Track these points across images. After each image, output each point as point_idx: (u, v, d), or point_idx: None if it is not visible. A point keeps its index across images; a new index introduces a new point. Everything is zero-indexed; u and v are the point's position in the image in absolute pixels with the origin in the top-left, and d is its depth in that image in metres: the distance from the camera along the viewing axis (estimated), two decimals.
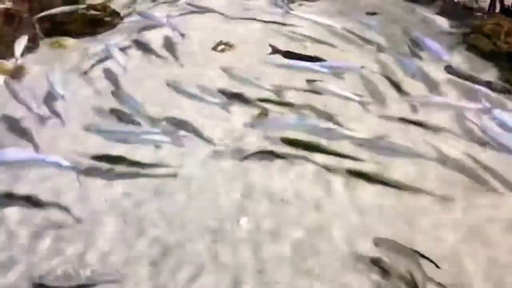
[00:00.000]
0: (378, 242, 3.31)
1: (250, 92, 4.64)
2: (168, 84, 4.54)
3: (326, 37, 5.68)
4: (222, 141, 4.14)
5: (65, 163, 3.41)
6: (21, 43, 4.79)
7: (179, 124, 4.26)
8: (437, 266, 3.14)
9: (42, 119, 4.11)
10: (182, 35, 5.25)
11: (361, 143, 3.86)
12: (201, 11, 6.13)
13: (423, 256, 3.15)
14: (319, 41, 5.64)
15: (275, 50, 5.18)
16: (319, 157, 4.00)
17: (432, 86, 4.96)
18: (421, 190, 3.74)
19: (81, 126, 3.92)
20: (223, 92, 4.67)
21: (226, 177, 3.81)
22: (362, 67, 4.72)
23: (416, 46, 5.40)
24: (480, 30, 5.61)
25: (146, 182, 3.75)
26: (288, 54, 5.10)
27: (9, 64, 4.98)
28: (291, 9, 6.09)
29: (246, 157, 3.98)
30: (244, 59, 5.21)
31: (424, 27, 5.88)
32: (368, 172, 3.87)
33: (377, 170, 3.89)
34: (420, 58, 5.31)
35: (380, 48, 5.54)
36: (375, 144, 3.86)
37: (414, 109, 4.52)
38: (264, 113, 4.42)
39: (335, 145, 4.05)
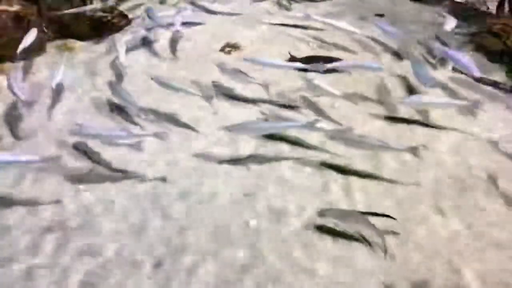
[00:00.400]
0: (324, 213, 3.50)
1: (240, 91, 4.75)
2: (152, 78, 4.64)
3: (334, 38, 5.69)
4: (203, 139, 4.21)
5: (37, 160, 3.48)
6: (29, 38, 4.83)
7: (164, 116, 4.41)
8: (393, 218, 3.42)
9: (31, 109, 4.25)
10: (180, 36, 5.46)
11: (333, 136, 4.04)
12: (209, 13, 6.15)
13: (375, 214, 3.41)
14: (326, 43, 5.64)
15: (293, 58, 5.18)
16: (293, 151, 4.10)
17: (442, 88, 4.96)
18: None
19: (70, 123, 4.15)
20: (214, 90, 4.77)
21: (203, 177, 3.84)
22: (380, 68, 4.79)
23: (432, 55, 5.41)
24: (488, 30, 5.59)
25: (125, 183, 3.78)
26: (308, 59, 5.08)
27: (17, 65, 5.00)
28: (291, 10, 6.14)
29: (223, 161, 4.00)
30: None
31: (432, 28, 5.88)
32: (337, 163, 3.97)
33: (345, 161, 4.00)
34: (435, 68, 5.27)
35: (395, 54, 5.48)
36: (345, 137, 3.99)
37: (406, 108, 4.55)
38: (266, 119, 4.43)
39: (309, 140, 4.17)
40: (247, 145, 4.15)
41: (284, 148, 4.13)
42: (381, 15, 6.30)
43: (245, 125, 4.00)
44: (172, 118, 4.42)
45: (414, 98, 4.46)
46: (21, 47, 4.76)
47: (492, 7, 6.19)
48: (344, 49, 5.53)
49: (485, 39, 5.58)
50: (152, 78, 4.60)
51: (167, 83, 4.47)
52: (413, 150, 3.81)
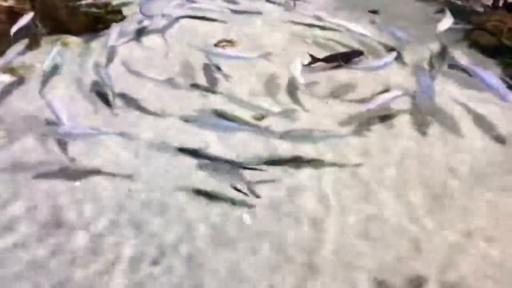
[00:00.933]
0: (201, 166, 3.73)
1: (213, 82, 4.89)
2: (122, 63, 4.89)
3: (335, 37, 5.68)
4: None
5: None
6: (24, 19, 4.90)
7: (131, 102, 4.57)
8: (261, 170, 3.73)
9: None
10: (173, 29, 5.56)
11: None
12: (206, 9, 6.07)
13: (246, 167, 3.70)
14: (326, 40, 5.62)
15: (314, 59, 5.10)
16: None
17: None
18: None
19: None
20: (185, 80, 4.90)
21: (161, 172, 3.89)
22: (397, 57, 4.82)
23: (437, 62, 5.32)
24: (483, 26, 5.61)
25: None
26: (330, 58, 5.10)
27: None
28: (294, 5, 6.14)
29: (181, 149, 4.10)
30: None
31: (427, 25, 5.82)
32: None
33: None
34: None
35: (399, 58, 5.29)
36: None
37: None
38: (262, 116, 4.42)
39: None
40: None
41: None
42: (375, 12, 6.28)
43: (200, 118, 4.21)
44: (139, 104, 4.56)
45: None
46: (14, 27, 4.82)
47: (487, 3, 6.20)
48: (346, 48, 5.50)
49: (479, 36, 5.58)
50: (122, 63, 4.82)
51: (137, 71, 4.68)
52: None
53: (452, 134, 4.32)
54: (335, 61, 4.98)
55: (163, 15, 5.55)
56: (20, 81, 4.81)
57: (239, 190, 3.60)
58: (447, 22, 5.32)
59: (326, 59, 5.06)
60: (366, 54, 5.31)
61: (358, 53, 5.18)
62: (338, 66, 4.98)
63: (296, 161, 3.96)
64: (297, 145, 4.09)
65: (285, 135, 4.07)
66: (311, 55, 5.06)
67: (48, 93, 4.48)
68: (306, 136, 4.10)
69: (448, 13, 5.45)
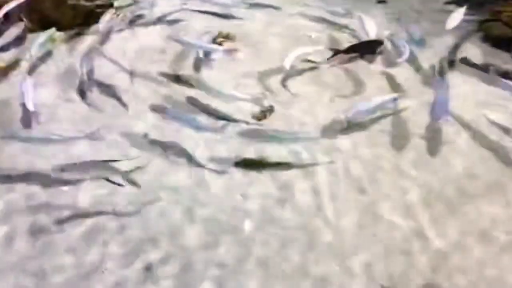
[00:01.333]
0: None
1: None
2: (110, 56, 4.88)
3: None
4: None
5: None
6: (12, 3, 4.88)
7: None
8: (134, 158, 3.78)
9: None
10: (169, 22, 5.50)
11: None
12: (205, 1, 5.84)
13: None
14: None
15: (336, 51, 4.91)
16: None
17: None
18: None
19: None
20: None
21: None
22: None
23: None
24: (496, 18, 5.36)
25: None
26: (350, 49, 4.95)
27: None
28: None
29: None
30: None
31: (438, 16, 5.53)
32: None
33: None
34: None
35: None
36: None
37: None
38: (264, 115, 4.30)
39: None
40: None
41: None
42: (384, 2, 6.07)
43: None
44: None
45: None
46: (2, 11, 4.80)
47: None
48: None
49: (493, 28, 5.36)
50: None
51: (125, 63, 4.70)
52: None
53: None
54: (356, 51, 4.89)
55: (152, 5, 5.55)
56: (3, 77, 4.69)
57: (112, 182, 3.59)
58: (458, 15, 5.05)
59: (346, 50, 4.91)
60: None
61: (379, 43, 5.02)
62: (356, 57, 4.88)
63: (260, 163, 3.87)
64: (263, 146, 4.01)
65: (252, 135, 4.01)
66: (331, 49, 4.94)
67: (28, 90, 4.29)
68: (274, 137, 4.03)
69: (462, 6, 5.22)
